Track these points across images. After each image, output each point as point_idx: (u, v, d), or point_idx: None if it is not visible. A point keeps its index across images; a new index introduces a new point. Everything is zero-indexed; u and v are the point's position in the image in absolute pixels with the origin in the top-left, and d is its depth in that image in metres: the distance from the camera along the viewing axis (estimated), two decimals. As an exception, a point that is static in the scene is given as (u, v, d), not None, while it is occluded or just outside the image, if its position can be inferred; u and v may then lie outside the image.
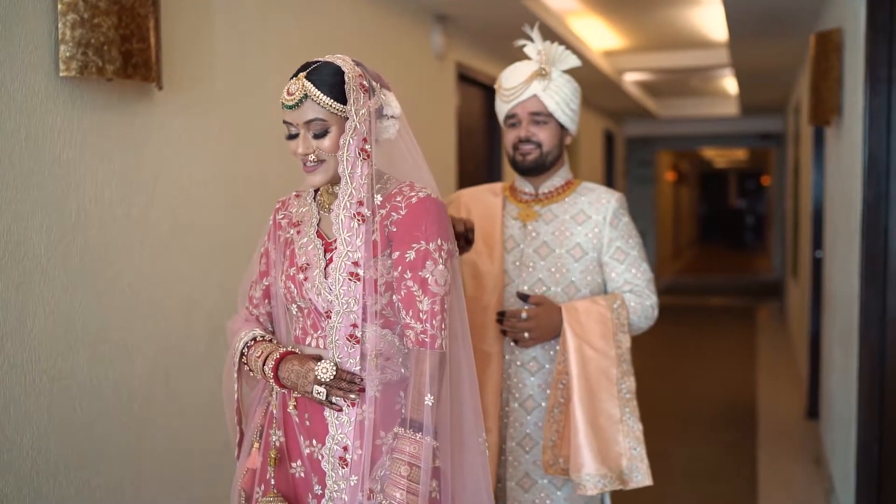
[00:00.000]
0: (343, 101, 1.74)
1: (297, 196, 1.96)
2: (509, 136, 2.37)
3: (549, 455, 2.23)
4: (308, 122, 1.74)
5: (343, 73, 1.76)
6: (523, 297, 2.24)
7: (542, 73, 2.31)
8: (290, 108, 1.74)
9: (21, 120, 2.22)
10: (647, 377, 7.44)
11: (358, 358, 1.75)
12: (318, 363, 1.73)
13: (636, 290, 2.32)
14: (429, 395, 1.70)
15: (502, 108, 2.37)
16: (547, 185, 2.41)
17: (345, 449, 1.76)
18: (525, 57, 2.45)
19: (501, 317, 2.26)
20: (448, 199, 2.46)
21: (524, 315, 2.20)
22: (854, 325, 3.43)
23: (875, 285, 3.20)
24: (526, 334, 2.21)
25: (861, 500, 3.29)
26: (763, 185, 23.84)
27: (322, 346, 1.81)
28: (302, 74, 1.75)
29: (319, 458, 1.81)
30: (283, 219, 1.94)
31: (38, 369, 2.26)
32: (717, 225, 28.88)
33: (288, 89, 1.75)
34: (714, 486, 4.61)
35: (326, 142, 1.75)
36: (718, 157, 22.68)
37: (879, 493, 3.21)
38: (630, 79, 9.27)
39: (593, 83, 8.47)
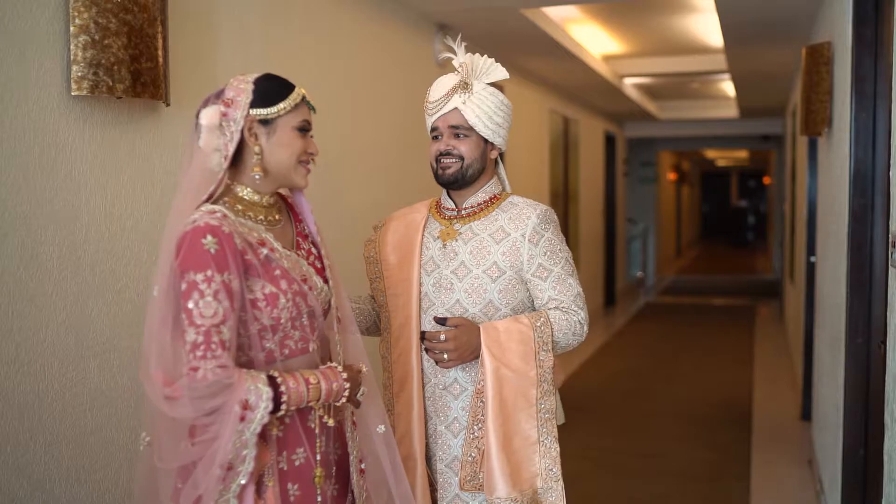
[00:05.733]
0: None
1: (226, 217, 1.79)
2: (432, 149, 2.33)
3: (467, 470, 2.21)
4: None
5: None
6: (440, 321, 2.20)
7: (462, 87, 2.27)
8: (313, 111, 1.95)
9: (35, 138, 2.32)
10: (645, 377, 7.53)
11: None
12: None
13: (562, 307, 2.26)
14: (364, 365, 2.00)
15: (428, 122, 2.35)
16: (470, 200, 2.34)
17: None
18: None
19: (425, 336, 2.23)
20: (381, 222, 2.46)
21: (442, 336, 2.16)
22: (841, 332, 3.51)
23: (861, 294, 3.28)
24: (445, 356, 2.17)
25: (846, 503, 3.38)
26: (765, 184, 23.88)
27: (318, 347, 1.93)
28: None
29: (334, 458, 1.94)
30: (239, 242, 1.78)
31: (51, 377, 2.36)
32: (719, 224, 28.94)
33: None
34: (707, 486, 4.70)
35: None
36: (720, 156, 22.74)
37: (864, 496, 3.30)
38: (630, 82, 9.35)
39: (593, 87, 8.56)
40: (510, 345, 2.19)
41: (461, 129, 2.27)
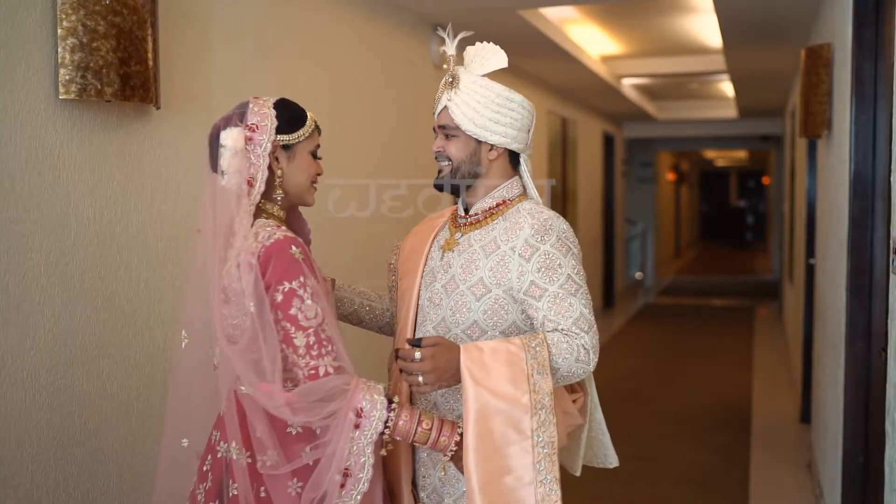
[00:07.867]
0: None
1: (288, 230, 1.97)
2: None
3: None
4: None
5: None
6: (415, 343, 1.88)
7: (449, 83, 2.06)
8: (320, 134, 2.05)
9: (22, 142, 2.28)
10: (644, 379, 7.50)
11: None
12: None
13: (561, 329, 1.94)
14: None
15: None
16: (477, 206, 2.10)
17: None
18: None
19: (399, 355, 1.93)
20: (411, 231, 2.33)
21: (417, 356, 1.84)
22: (841, 337, 3.48)
23: (860, 298, 3.25)
24: (420, 378, 1.85)
25: (846, 508, 3.35)
26: (764, 184, 23.87)
27: None
28: None
29: None
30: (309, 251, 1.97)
31: (39, 385, 2.32)
32: (718, 224, 28.94)
33: None
34: (706, 490, 4.67)
35: None
36: (719, 156, 22.72)
37: (864, 501, 3.27)
38: (628, 83, 9.32)
39: (592, 87, 8.53)
40: (496, 367, 1.86)
41: (448, 129, 2.06)
